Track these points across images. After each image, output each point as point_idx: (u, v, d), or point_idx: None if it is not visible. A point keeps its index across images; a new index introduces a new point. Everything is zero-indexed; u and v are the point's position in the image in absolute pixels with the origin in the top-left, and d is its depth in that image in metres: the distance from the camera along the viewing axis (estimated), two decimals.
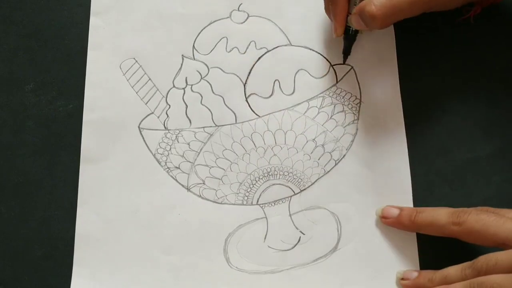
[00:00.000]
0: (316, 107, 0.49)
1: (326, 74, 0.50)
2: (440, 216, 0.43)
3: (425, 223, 0.43)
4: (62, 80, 0.51)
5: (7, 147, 0.49)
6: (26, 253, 0.47)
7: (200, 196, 0.48)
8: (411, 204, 0.47)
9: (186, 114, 0.49)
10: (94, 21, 0.52)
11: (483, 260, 0.40)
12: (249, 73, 0.50)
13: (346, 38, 0.49)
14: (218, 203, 0.48)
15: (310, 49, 0.50)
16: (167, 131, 0.49)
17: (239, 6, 0.51)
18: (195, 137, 0.49)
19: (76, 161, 0.49)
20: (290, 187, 0.48)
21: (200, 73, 0.50)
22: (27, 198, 0.48)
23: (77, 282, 0.46)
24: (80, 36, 0.52)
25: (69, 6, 0.53)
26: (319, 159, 0.48)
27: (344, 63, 0.50)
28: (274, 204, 0.48)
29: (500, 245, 0.40)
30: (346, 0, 0.47)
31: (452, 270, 0.41)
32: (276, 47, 0.51)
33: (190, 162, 0.48)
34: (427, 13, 0.47)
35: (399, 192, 0.47)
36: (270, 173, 0.48)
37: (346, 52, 0.49)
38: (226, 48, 0.51)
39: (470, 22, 0.50)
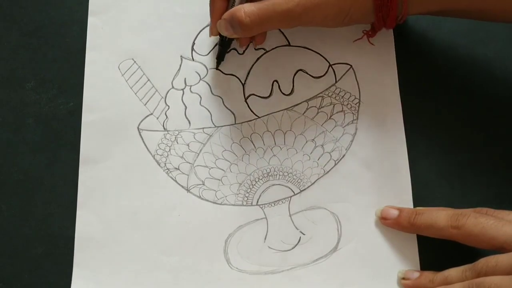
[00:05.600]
0: (315, 107, 0.49)
1: (325, 74, 0.50)
2: (439, 218, 0.43)
3: (424, 226, 0.43)
4: (62, 78, 0.51)
5: (7, 144, 0.49)
6: (26, 251, 0.47)
7: (199, 197, 0.48)
8: (411, 204, 0.47)
9: (185, 115, 0.49)
10: (92, 21, 0.52)
11: (483, 262, 0.40)
12: (248, 73, 0.50)
13: (220, 44, 0.49)
14: (218, 204, 0.48)
15: (309, 49, 0.50)
16: (166, 132, 0.49)
17: None
18: (194, 138, 0.49)
19: (77, 159, 0.49)
20: (290, 188, 0.48)
21: (199, 74, 0.50)
22: (27, 196, 0.48)
23: (77, 283, 0.46)
24: (81, 34, 0.52)
25: (69, 4, 0.53)
26: (318, 159, 0.48)
27: (217, 68, 0.50)
28: (274, 204, 0.48)
29: (498, 249, 0.40)
30: (224, 2, 0.47)
31: (453, 272, 0.42)
32: (274, 48, 0.50)
33: (189, 163, 0.48)
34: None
35: (399, 192, 0.47)
36: (269, 174, 0.48)
37: (219, 58, 0.49)
38: None
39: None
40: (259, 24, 0.45)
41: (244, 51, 0.50)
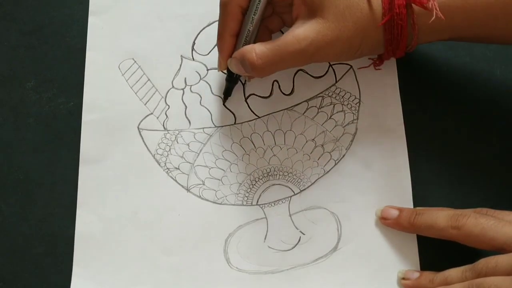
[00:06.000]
0: (316, 107, 0.49)
1: (325, 74, 0.50)
2: (439, 219, 0.43)
3: (424, 226, 0.43)
4: (63, 77, 0.51)
5: (7, 144, 0.49)
6: (26, 250, 0.47)
7: (200, 196, 0.48)
8: (411, 204, 0.47)
9: (186, 114, 0.49)
10: (92, 21, 0.52)
11: (483, 262, 0.40)
12: None
13: (228, 80, 0.48)
14: (218, 203, 0.48)
15: None
16: (166, 132, 0.49)
17: None
18: (194, 137, 0.49)
19: (77, 159, 0.49)
20: (290, 187, 0.48)
21: (199, 74, 0.50)
22: (27, 195, 0.48)
23: (77, 283, 0.46)
24: (81, 33, 0.52)
25: (70, 3, 0.53)
26: (318, 159, 0.48)
27: (223, 104, 0.49)
28: (274, 204, 0.48)
29: (498, 249, 0.40)
30: (233, 38, 0.46)
31: (453, 272, 0.42)
32: None
33: (189, 162, 0.48)
34: None
35: (399, 192, 0.47)
36: (269, 174, 0.48)
37: (226, 94, 0.49)
38: None
39: None
40: (271, 65, 0.44)
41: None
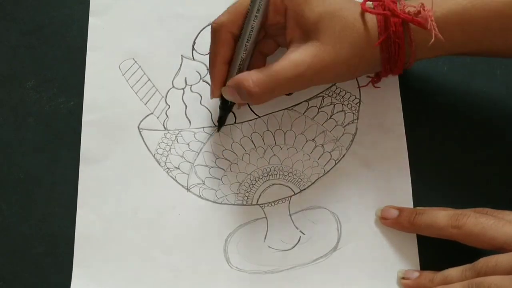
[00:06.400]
0: (316, 106, 0.49)
1: None
2: (439, 218, 0.43)
3: (424, 225, 0.43)
4: (63, 77, 0.51)
5: (7, 144, 0.49)
6: (27, 250, 0.47)
7: (200, 196, 0.48)
8: (411, 204, 0.47)
9: (186, 114, 0.49)
10: (93, 22, 0.52)
11: (483, 262, 0.40)
12: None
13: (222, 108, 0.47)
14: (218, 203, 0.48)
15: None
16: (166, 132, 0.49)
17: None
18: (194, 137, 0.49)
19: (77, 158, 0.49)
20: (290, 187, 0.48)
21: (199, 73, 0.50)
22: (27, 194, 0.48)
23: (77, 283, 0.46)
24: (81, 33, 0.52)
25: (70, 3, 0.53)
26: (318, 159, 0.48)
27: (218, 131, 0.48)
28: (274, 204, 0.48)
29: (498, 249, 0.40)
30: (225, 66, 0.45)
31: (453, 272, 0.42)
32: None
33: (189, 162, 0.48)
34: None
35: (399, 192, 0.47)
36: (270, 173, 0.48)
37: (220, 122, 0.48)
38: None
39: None
40: (269, 93, 0.42)
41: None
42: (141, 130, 0.49)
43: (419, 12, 0.42)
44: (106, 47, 0.51)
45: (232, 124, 0.49)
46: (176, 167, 0.48)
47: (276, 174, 0.48)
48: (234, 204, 0.48)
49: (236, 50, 0.44)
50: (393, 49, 0.43)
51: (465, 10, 0.42)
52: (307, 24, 0.42)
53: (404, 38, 0.42)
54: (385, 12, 0.42)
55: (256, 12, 0.43)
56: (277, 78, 0.42)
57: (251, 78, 0.42)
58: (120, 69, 0.51)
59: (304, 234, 0.47)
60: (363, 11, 0.43)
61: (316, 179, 0.48)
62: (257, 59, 0.47)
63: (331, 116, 0.49)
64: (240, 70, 0.44)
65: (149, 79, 0.50)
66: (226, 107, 0.47)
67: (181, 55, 0.51)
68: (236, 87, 0.43)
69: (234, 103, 0.47)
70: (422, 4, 0.42)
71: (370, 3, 0.43)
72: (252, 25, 0.43)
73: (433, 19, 0.41)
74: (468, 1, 0.42)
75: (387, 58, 0.43)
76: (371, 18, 0.43)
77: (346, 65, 0.43)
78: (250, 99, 0.43)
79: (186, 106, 0.50)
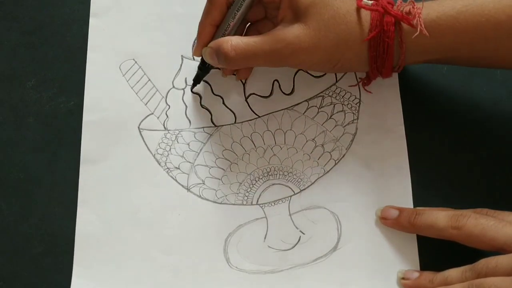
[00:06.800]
0: (316, 106, 0.49)
1: (325, 74, 0.50)
2: (439, 219, 0.43)
3: (424, 226, 0.43)
4: (63, 77, 0.51)
5: (8, 143, 0.49)
6: (26, 250, 0.47)
7: (200, 196, 0.48)
8: (411, 204, 0.47)
9: (186, 114, 0.49)
10: (93, 23, 0.52)
11: (483, 262, 0.40)
12: None
13: (200, 68, 0.48)
14: (218, 203, 0.48)
15: None
16: (166, 132, 0.49)
17: None
18: (194, 137, 0.49)
19: (77, 158, 0.49)
20: (290, 187, 0.48)
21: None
22: (27, 194, 0.48)
23: (77, 282, 0.46)
24: (82, 33, 0.52)
25: (70, 3, 0.53)
26: (318, 159, 0.48)
27: (191, 90, 0.50)
28: (274, 204, 0.48)
29: (498, 250, 0.40)
30: (213, 28, 0.46)
31: (453, 272, 0.41)
32: None
33: (190, 162, 0.48)
34: None
35: (399, 192, 0.47)
36: (269, 173, 0.48)
37: (196, 81, 0.49)
38: None
39: None
40: (244, 59, 0.44)
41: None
42: (141, 130, 0.49)
43: (409, 11, 0.42)
44: (107, 48, 0.51)
45: (232, 124, 0.49)
46: (176, 167, 0.48)
47: (276, 174, 0.48)
48: (234, 204, 0.48)
49: (226, 16, 0.46)
50: (382, 48, 0.43)
51: (459, 14, 0.42)
52: (299, 7, 0.43)
53: (394, 38, 0.42)
54: (377, 8, 0.42)
55: None
56: (254, 48, 0.43)
57: (231, 41, 0.44)
58: (120, 69, 0.51)
59: (304, 234, 0.47)
60: (358, 7, 0.43)
61: (316, 179, 0.48)
62: None
63: (331, 116, 0.49)
64: (224, 36, 0.46)
65: (149, 80, 0.51)
66: (204, 68, 0.48)
67: (181, 55, 0.51)
68: (215, 48, 0.45)
69: (212, 66, 0.48)
70: (413, 2, 0.42)
71: (369, 2, 0.43)
72: None
73: (421, 16, 0.41)
74: (462, 5, 0.42)
75: (374, 57, 0.43)
76: (365, 15, 0.43)
77: (327, 53, 0.43)
78: (225, 62, 0.44)
79: (186, 106, 0.50)
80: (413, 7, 0.42)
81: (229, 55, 0.44)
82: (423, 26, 0.41)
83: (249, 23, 0.48)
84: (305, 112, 0.49)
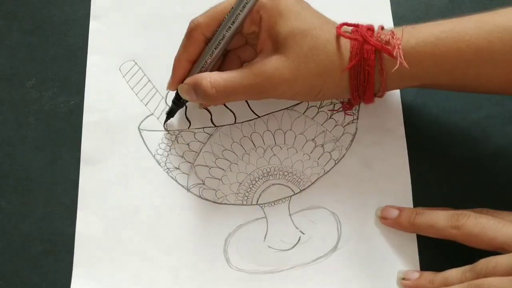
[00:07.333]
0: (316, 106, 0.49)
1: None
2: (439, 218, 0.43)
3: (424, 226, 0.43)
4: (63, 76, 0.51)
5: (8, 142, 0.49)
6: (26, 249, 0.47)
7: (200, 196, 0.48)
8: (411, 204, 0.46)
9: (186, 115, 0.49)
10: (94, 25, 0.52)
11: (483, 263, 0.40)
12: None
13: (175, 102, 0.47)
14: (218, 203, 0.48)
15: None
16: (166, 132, 0.49)
17: None
18: (194, 137, 0.49)
19: (77, 158, 0.49)
20: (289, 187, 0.48)
21: None
22: (27, 193, 0.48)
23: (77, 282, 0.46)
24: (82, 32, 0.52)
25: (70, 2, 0.53)
26: (318, 159, 0.48)
27: (164, 124, 0.49)
28: (274, 204, 0.48)
29: (498, 249, 0.40)
30: (189, 64, 0.45)
31: (453, 273, 0.41)
32: None
33: (189, 162, 0.48)
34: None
35: (399, 192, 0.47)
36: (269, 173, 0.48)
37: (169, 115, 0.48)
38: None
39: None
40: (224, 96, 0.43)
41: None
42: (141, 131, 0.49)
43: (389, 40, 0.41)
44: (107, 50, 0.52)
45: (232, 124, 0.49)
46: (176, 167, 0.48)
47: (276, 174, 0.48)
48: (234, 204, 0.48)
49: (203, 53, 0.45)
50: (362, 76, 0.42)
51: (438, 40, 0.41)
52: (277, 37, 0.42)
53: (374, 66, 0.42)
54: (356, 37, 0.42)
55: (231, 24, 0.43)
56: (234, 84, 0.42)
57: (209, 78, 0.43)
58: (120, 71, 0.51)
59: (304, 234, 0.47)
60: (338, 35, 0.42)
61: (316, 179, 0.48)
62: (233, 64, 0.47)
63: (331, 116, 0.49)
64: (201, 72, 0.45)
65: (149, 80, 0.51)
66: (179, 103, 0.47)
67: None
68: (193, 85, 0.44)
69: (187, 101, 0.47)
70: (392, 32, 0.42)
71: (349, 28, 0.43)
72: (224, 34, 0.44)
73: (401, 48, 0.41)
74: (441, 31, 0.41)
75: (355, 85, 0.43)
76: (345, 43, 0.42)
77: (308, 84, 0.42)
78: (205, 99, 0.44)
79: (186, 107, 0.50)
80: (392, 37, 0.41)
81: (209, 93, 0.43)
82: (402, 58, 0.40)
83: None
84: (305, 112, 0.49)
